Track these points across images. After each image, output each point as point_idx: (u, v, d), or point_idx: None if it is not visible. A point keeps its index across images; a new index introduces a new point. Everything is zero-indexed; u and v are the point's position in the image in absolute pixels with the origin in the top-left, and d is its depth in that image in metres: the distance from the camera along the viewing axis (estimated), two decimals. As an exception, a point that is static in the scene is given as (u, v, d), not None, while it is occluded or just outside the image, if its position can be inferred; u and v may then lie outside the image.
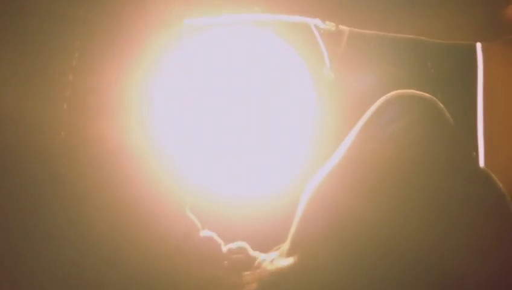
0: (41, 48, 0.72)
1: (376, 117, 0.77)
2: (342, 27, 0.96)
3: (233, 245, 0.80)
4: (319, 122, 1.16)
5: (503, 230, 0.69)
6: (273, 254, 0.78)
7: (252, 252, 0.80)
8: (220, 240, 0.80)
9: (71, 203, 0.72)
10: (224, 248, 0.80)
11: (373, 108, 0.77)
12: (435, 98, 0.77)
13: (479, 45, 0.96)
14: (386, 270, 0.67)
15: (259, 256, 0.80)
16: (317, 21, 0.97)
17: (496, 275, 0.67)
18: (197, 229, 0.77)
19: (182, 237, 0.74)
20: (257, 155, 1.13)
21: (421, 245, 0.67)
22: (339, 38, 1.15)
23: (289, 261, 0.73)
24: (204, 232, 0.78)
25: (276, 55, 1.15)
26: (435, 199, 0.70)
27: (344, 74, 1.17)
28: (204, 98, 1.06)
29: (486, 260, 0.67)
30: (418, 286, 0.66)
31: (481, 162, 0.92)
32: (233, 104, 1.11)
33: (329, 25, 0.95)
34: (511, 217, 0.70)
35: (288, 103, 1.16)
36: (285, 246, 0.77)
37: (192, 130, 1.02)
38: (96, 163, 0.71)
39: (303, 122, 1.16)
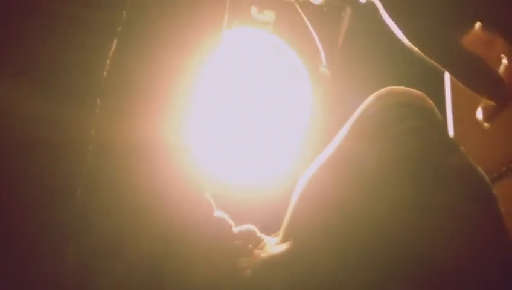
0: (79, 31, 0.71)
1: (366, 113, 0.78)
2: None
3: (243, 227, 0.82)
4: (316, 118, 1.20)
5: (488, 217, 0.71)
6: (274, 239, 0.80)
7: (260, 234, 0.82)
8: (231, 221, 0.81)
9: (96, 185, 0.73)
10: (235, 229, 0.81)
11: (364, 104, 0.79)
12: (424, 95, 0.79)
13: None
14: (374, 257, 0.68)
15: (266, 238, 0.82)
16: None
17: (480, 259, 0.69)
18: (213, 209, 0.80)
19: (200, 215, 0.77)
20: (260, 149, 1.18)
21: (408, 233, 0.69)
22: (335, 37, 1.19)
23: (281, 247, 0.75)
24: (217, 213, 0.80)
25: (275, 55, 1.19)
26: (422, 191, 0.71)
27: (340, 72, 1.20)
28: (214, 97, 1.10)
29: (471, 248, 0.69)
30: (406, 272, 0.67)
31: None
32: (238, 102, 1.15)
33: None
34: (496, 207, 0.72)
35: (287, 101, 1.20)
36: (279, 235, 0.79)
37: (210, 124, 1.06)
38: (125, 149, 0.72)
39: (300, 119, 1.20)
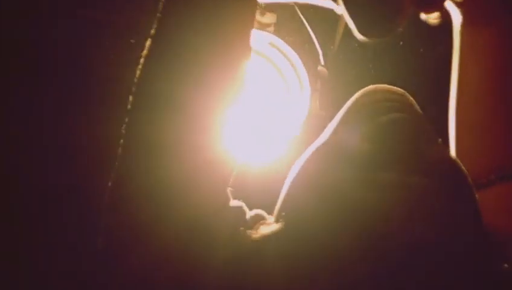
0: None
1: (354, 107, 0.83)
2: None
3: (252, 213, 0.83)
4: (312, 113, 1.24)
5: (463, 202, 0.76)
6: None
7: (267, 217, 0.83)
8: (246, 209, 0.83)
9: (124, 173, 0.76)
10: (248, 215, 0.83)
11: (352, 98, 0.84)
12: (405, 92, 0.85)
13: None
14: (362, 236, 0.71)
15: (270, 219, 0.83)
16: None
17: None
18: (229, 199, 0.82)
19: (220, 205, 0.79)
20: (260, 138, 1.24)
21: (392, 214, 0.72)
22: (333, 38, 1.23)
23: (273, 227, 0.78)
24: (233, 202, 0.82)
25: (276, 55, 1.24)
26: (405, 175, 0.75)
27: (337, 71, 1.23)
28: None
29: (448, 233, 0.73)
30: (391, 248, 0.70)
31: (452, 150, 0.96)
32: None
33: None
34: (474, 199, 0.77)
35: (286, 97, 1.25)
36: (272, 218, 0.81)
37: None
38: (152, 145, 0.75)
39: (298, 114, 1.25)
